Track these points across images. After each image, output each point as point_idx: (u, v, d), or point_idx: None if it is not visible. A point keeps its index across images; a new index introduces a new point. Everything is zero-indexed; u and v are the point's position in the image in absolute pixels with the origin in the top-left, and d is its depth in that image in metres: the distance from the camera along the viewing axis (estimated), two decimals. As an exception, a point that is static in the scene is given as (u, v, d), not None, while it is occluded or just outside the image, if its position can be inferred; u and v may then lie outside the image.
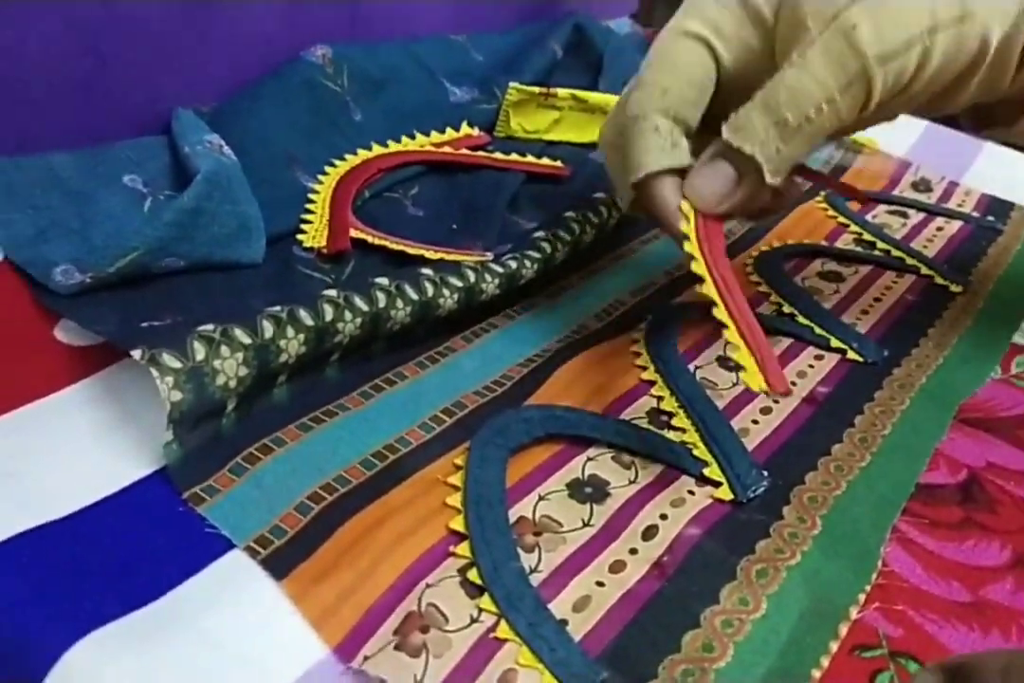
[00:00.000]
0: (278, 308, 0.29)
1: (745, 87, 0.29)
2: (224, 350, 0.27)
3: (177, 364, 0.25)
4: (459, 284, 0.33)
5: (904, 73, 0.27)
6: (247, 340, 0.27)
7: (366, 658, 0.22)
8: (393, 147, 0.46)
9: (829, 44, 0.26)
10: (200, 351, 0.26)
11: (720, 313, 0.28)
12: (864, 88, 0.27)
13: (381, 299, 0.31)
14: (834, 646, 0.24)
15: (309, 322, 0.29)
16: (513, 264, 0.35)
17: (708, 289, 0.28)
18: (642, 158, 0.29)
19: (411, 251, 0.37)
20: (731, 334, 0.27)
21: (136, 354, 0.25)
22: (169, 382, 0.25)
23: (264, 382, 0.29)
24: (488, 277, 0.34)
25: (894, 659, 0.24)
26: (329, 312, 0.29)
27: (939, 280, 0.44)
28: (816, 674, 0.23)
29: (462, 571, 0.24)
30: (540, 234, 0.38)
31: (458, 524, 0.26)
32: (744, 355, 0.27)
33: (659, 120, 0.29)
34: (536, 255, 0.36)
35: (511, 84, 0.51)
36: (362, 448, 0.28)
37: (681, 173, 0.30)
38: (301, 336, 0.29)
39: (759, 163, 0.28)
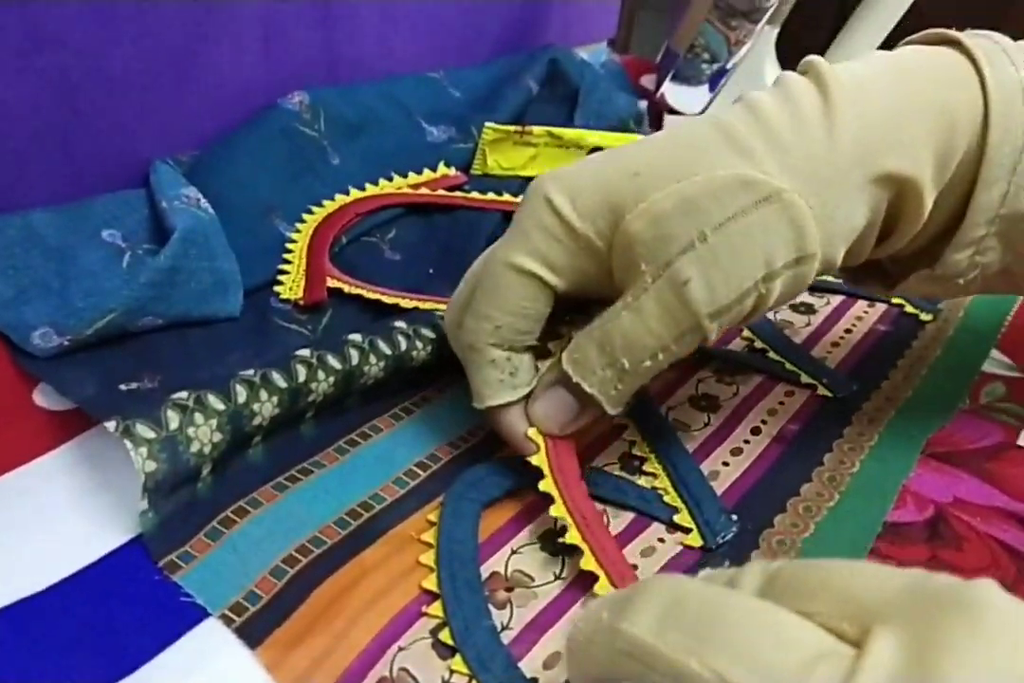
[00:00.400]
0: (251, 372, 0.29)
1: (585, 288, 0.29)
2: (198, 417, 0.27)
3: (151, 434, 0.26)
4: (432, 335, 0.34)
5: (741, 316, 0.27)
6: (220, 406, 0.28)
7: (339, 726, 0.22)
8: (371, 190, 0.47)
9: (662, 296, 0.26)
10: (174, 420, 0.27)
11: (573, 538, 0.27)
12: (698, 337, 0.27)
13: (354, 356, 0.32)
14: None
15: (282, 384, 0.30)
16: None
17: (559, 511, 0.28)
18: (482, 390, 0.30)
19: (387, 300, 0.38)
20: (586, 561, 0.27)
21: (110, 426, 0.26)
22: (143, 453, 0.26)
23: (239, 444, 0.29)
24: None
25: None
26: (302, 373, 0.30)
27: (909, 309, 0.45)
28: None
29: (434, 632, 0.25)
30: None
31: (431, 583, 0.26)
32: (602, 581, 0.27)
33: (495, 353, 0.29)
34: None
35: (487, 124, 0.52)
36: (337, 507, 0.29)
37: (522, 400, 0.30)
38: (275, 398, 0.29)
39: (598, 399, 0.28)
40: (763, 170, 0.26)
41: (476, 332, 0.29)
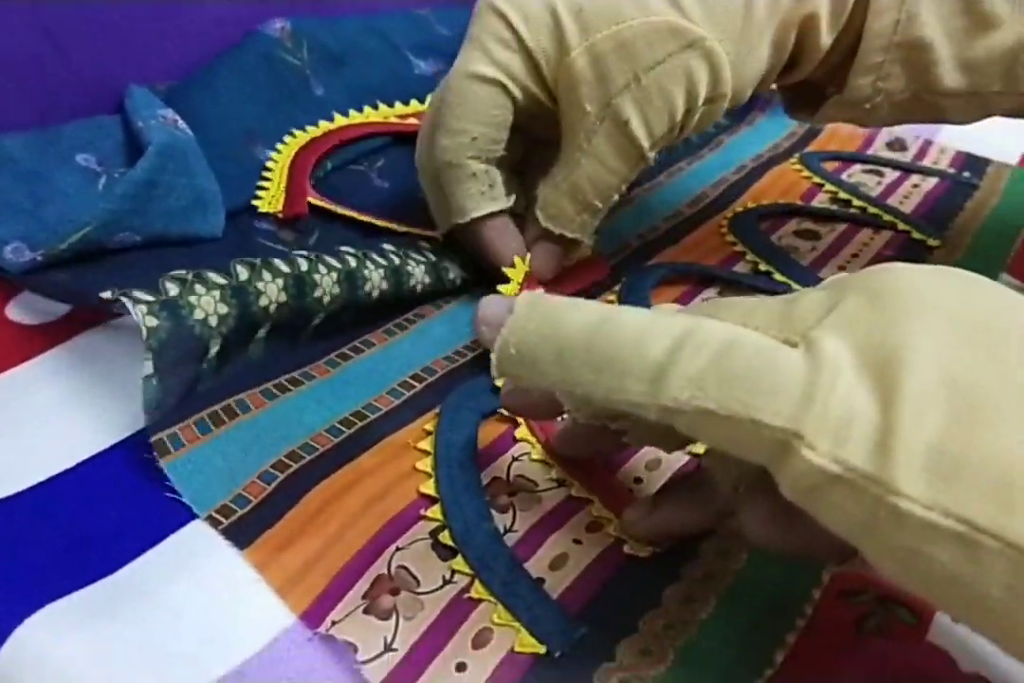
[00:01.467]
0: (250, 258, 0.28)
1: (533, 119, 0.32)
2: (198, 288, 0.26)
3: (149, 298, 0.25)
4: (423, 259, 0.33)
5: (671, 138, 0.32)
6: (221, 280, 0.27)
7: (334, 623, 0.21)
8: (356, 118, 0.45)
9: (611, 136, 0.30)
10: (173, 288, 0.26)
11: (579, 490, 0.26)
12: (645, 163, 0.32)
13: (351, 261, 0.30)
14: (818, 593, 0.23)
15: (285, 269, 0.28)
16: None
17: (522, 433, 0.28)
18: (465, 203, 0.32)
19: (380, 223, 0.36)
20: (596, 508, 0.25)
21: (105, 295, 0.25)
22: (143, 309, 0.24)
23: (247, 330, 0.28)
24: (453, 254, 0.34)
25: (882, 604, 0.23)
26: (303, 264, 0.29)
27: (916, 235, 0.43)
28: (800, 623, 0.23)
29: (434, 533, 0.24)
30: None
31: (429, 488, 0.25)
32: (616, 525, 0.25)
33: (475, 166, 0.31)
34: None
35: (476, 55, 0.50)
36: (328, 415, 0.27)
37: (502, 212, 0.33)
38: (279, 281, 0.28)
39: (579, 238, 0.33)
40: (690, 19, 0.29)
41: (453, 148, 0.31)
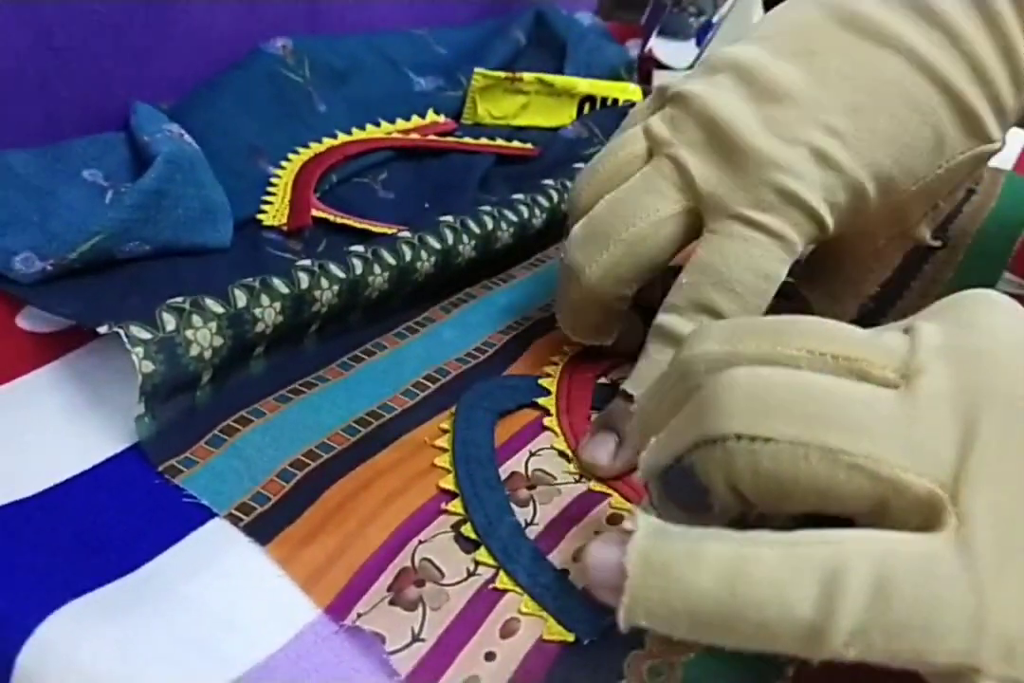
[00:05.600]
0: (250, 279, 0.28)
1: None
2: (196, 320, 0.26)
3: (146, 335, 0.24)
4: (437, 246, 0.33)
5: None
6: (219, 309, 0.26)
7: (360, 615, 0.21)
8: (358, 135, 0.45)
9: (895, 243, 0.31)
10: (170, 322, 0.25)
11: (598, 484, 0.26)
12: None
13: (358, 266, 0.30)
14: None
15: (284, 290, 0.28)
16: (489, 223, 0.34)
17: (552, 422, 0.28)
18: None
19: (375, 230, 0.37)
20: (616, 501, 0.26)
21: (102, 329, 0.24)
22: (140, 352, 0.24)
23: (241, 354, 0.28)
24: (465, 238, 0.33)
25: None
26: (305, 280, 0.29)
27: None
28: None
29: (455, 527, 0.24)
30: (518, 196, 0.37)
31: (448, 483, 0.25)
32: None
33: None
34: (512, 217, 0.36)
35: (476, 69, 0.51)
36: (344, 415, 0.27)
37: None
38: (277, 304, 0.28)
39: None
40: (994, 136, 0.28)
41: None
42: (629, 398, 0.26)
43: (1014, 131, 0.60)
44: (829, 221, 0.26)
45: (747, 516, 0.19)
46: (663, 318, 0.26)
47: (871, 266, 0.31)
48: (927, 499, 0.16)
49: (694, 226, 0.27)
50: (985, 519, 0.16)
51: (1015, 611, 0.15)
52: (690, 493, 0.18)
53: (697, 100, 0.26)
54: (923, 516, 0.16)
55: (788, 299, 0.36)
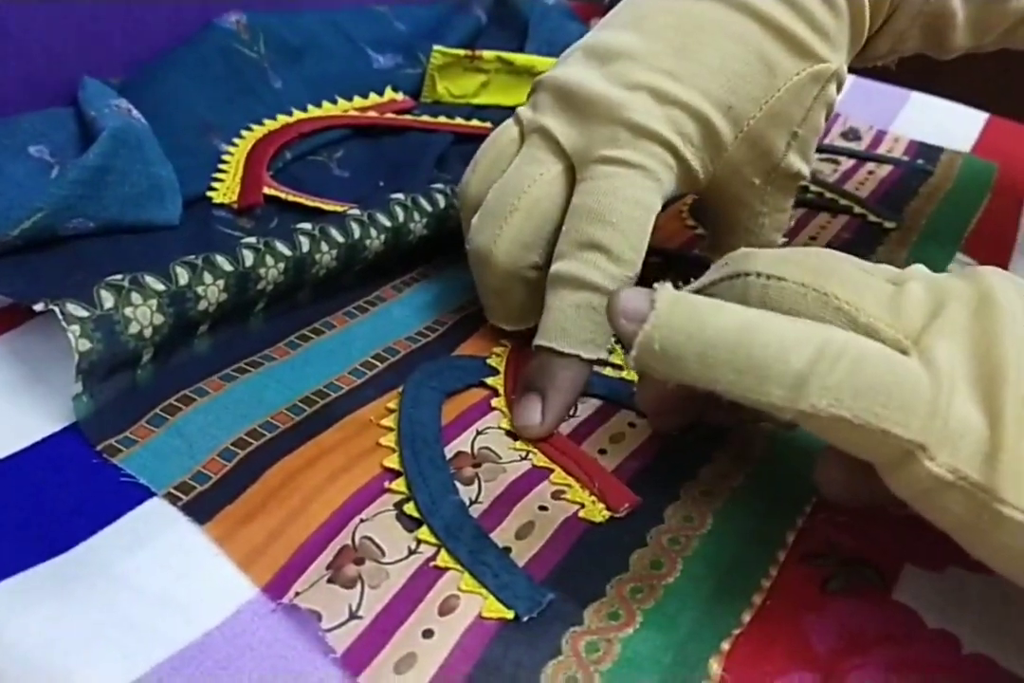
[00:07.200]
0: (193, 256, 0.27)
1: None
2: (135, 297, 0.25)
3: (83, 313, 0.24)
4: (387, 223, 0.32)
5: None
6: (160, 287, 0.26)
7: (298, 593, 0.21)
8: (314, 112, 0.45)
9: (783, 188, 0.32)
10: (108, 299, 0.25)
11: (540, 460, 0.26)
12: None
13: (304, 243, 0.30)
14: (782, 555, 0.23)
15: (228, 267, 0.28)
16: (442, 201, 0.34)
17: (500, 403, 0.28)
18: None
19: (327, 208, 0.36)
20: (557, 476, 0.26)
21: (38, 307, 0.24)
22: (76, 330, 0.24)
23: (184, 332, 0.27)
24: (417, 216, 0.33)
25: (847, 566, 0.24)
26: (249, 257, 0.28)
27: (872, 218, 0.44)
28: (766, 584, 0.23)
29: (398, 505, 0.23)
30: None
31: (393, 462, 0.25)
32: (576, 491, 0.25)
33: None
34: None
35: (436, 47, 0.50)
36: (289, 395, 0.27)
37: None
38: (220, 282, 0.27)
39: None
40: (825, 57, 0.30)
41: (619, 278, 0.28)
42: (545, 353, 0.27)
43: (972, 114, 0.61)
44: (685, 152, 0.28)
45: None
46: (555, 266, 0.28)
47: (758, 209, 0.32)
48: (894, 345, 0.19)
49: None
50: (942, 355, 0.19)
51: (963, 413, 0.18)
52: None
53: (549, 78, 0.30)
54: None
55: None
